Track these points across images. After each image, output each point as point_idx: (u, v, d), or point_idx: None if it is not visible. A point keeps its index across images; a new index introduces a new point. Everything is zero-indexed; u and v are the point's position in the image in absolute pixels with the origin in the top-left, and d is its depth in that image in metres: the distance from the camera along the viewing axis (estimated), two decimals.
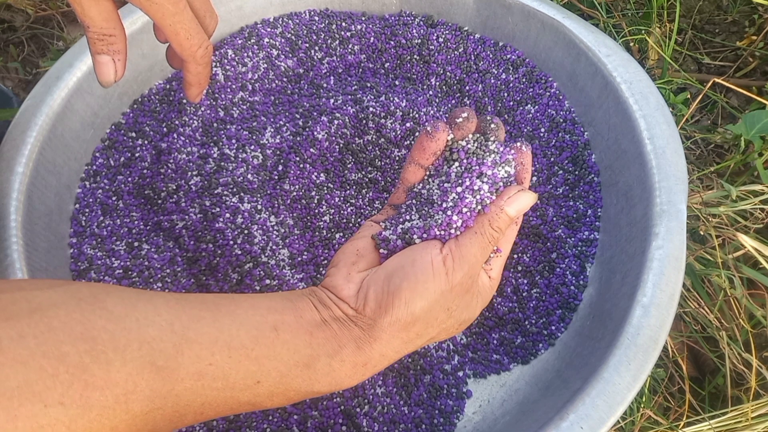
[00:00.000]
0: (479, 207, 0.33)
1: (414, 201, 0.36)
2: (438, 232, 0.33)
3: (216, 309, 0.29)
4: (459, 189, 0.33)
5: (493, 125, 0.35)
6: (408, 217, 0.35)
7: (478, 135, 0.35)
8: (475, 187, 0.33)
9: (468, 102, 0.56)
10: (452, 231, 0.33)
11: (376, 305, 0.31)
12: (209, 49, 0.41)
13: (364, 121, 0.51)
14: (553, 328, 0.46)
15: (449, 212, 0.33)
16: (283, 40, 0.58)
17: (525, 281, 0.48)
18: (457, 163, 0.35)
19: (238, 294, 0.31)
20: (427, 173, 0.36)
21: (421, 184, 0.36)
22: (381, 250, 0.34)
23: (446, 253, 0.32)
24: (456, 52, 0.58)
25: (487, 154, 0.34)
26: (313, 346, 0.30)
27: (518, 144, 0.35)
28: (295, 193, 0.50)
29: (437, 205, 0.34)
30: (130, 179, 0.52)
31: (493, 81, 0.56)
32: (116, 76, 0.38)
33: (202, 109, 0.53)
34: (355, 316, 0.31)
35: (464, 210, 0.33)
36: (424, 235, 0.33)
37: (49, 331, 0.23)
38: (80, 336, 0.24)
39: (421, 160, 0.36)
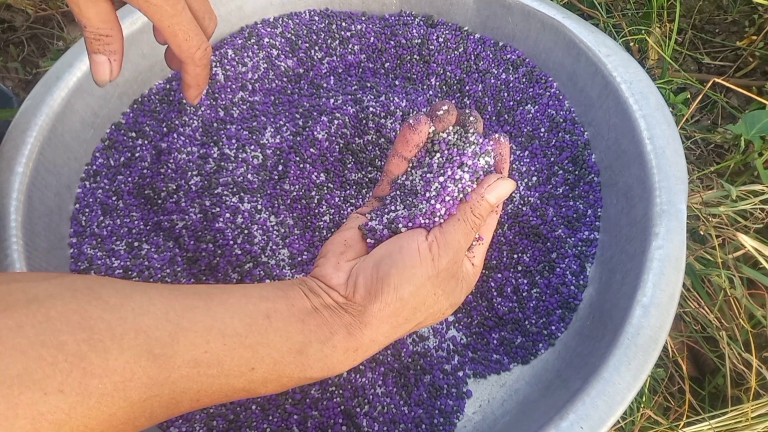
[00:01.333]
0: (461, 195, 0.34)
1: (398, 192, 0.37)
2: (423, 221, 0.34)
3: (209, 298, 0.29)
4: (441, 179, 0.34)
5: (471, 118, 0.36)
6: (393, 208, 0.36)
7: (458, 127, 0.36)
8: (457, 177, 0.34)
9: (468, 102, 0.56)
10: (436, 219, 0.34)
11: (366, 292, 0.32)
12: (208, 50, 0.41)
13: (364, 121, 0.51)
14: (553, 328, 0.46)
15: (432, 201, 0.34)
16: (283, 40, 0.58)
17: (525, 281, 0.48)
18: (438, 155, 0.36)
19: (230, 284, 0.31)
20: (410, 165, 0.38)
21: (404, 176, 0.38)
22: (368, 240, 0.35)
23: (431, 240, 0.33)
24: (456, 52, 0.58)
25: (467, 145, 0.36)
26: (305, 333, 0.30)
27: (497, 135, 0.36)
28: (295, 193, 0.50)
29: (420, 195, 0.35)
30: (130, 179, 0.52)
31: (493, 81, 0.56)
32: (111, 76, 0.38)
33: (202, 109, 0.53)
34: (345, 303, 0.32)
35: (447, 198, 0.34)
36: (410, 224, 0.34)
37: (47, 320, 0.24)
38: (78, 325, 0.24)
39: (404, 152, 0.37)
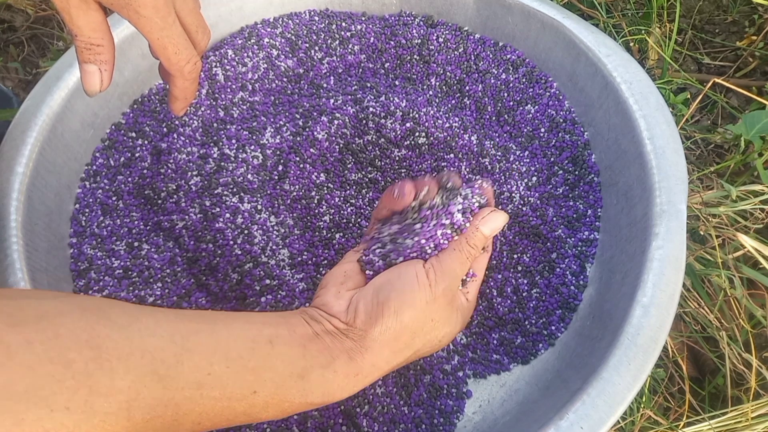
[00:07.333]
0: (455, 233, 0.36)
1: (389, 235, 0.39)
2: (415, 256, 0.36)
3: (214, 322, 0.30)
4: (431, 227, 0.37)
5: (450, 184, 0.38)
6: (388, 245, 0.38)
7: (442, 192, 0.38)
8: (446, 223, 0.36)
9: (468, 102, 0.56)
10: (429, 252, 0.36)
11: (367, 316, 0.33)
12: (197, 64, 0.40)
13: (364, 121, 0.51)
14: (553, 328, 0.46)
15: (423, 241, 0.36)
16: (283, 40, 0.58)
17: (525, 281, 0.48)
18: (428, 211, 0.38)
19: (233, 312, 0.32)
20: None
21: (395, 223, 0.39)
22: (367, 272, 0.37)
23: (428, 267, 0.35)
24: (456, 52, 0.58)
25: (454, 198, 0.37)
26: (307, 358, 0.31)
27: (480, 181, 0.38)
28: (295, 193, 0.50)
29: (410, 237, 0.37)
30: (130, 179, 0.52)
31: (493, 81, 0.56)
32: (102, 86, 0.38)
33: (202, 109, 0.53)
34: (346, 329, 0.33)
35: (440, 237, 0.36)
36: (402, 259, 0.36)
37: (56, 337, 0.24)
38: (86, 344, 0.24)
39: (392, 208, 0.39)
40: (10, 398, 0.22)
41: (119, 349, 0.25)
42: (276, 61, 0.57)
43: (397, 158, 0.51)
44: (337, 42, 0.59)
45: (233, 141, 0.51)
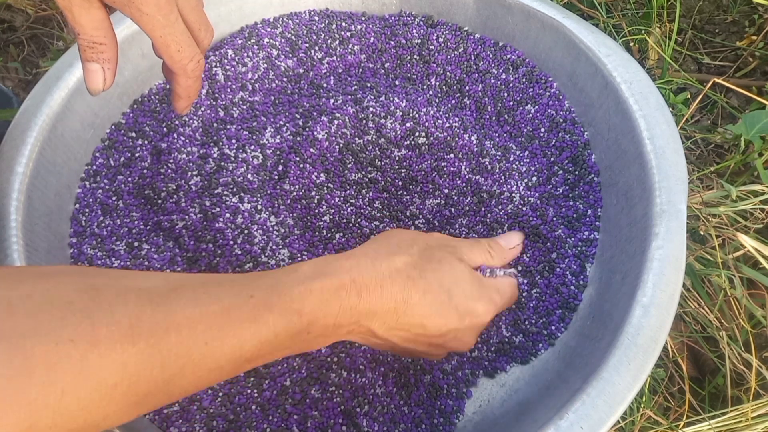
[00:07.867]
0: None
1: None
2: None
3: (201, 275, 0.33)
4: None
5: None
6: None
7: None
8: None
9: (468, 102, 0.56)
10: None
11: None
12: (200, 63, 0.40)
13: (364, 121, 0.51)
14: (553, 328, 0.46)
15: None
16: (283, 40, 0.58)
17: (525, 281, 0.48)
18: None
19: None
20: None
21: None
22: None
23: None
24: (456, 52, 0.58)
25: None
26: (298, 264, 0.34)
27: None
28: (295, 193, 0.50)
29: None
30: (130, 179, 0.52)
31: (493, 81, 0.56)
32: (105, 85, 0.38)
33: (202, 109, 0.53)
34: None
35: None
36: None
37: (56, 287, 0.26)
38: (84, 289, 0.26)
39: None
40: (18, 337, 0.23)
41: (117, 290, 0.27)
42: (276, 61, 0.57)
43: (397, 158, 0.51)
44: (337, 42, 0.59)
45: (233, 141, 0.51)
